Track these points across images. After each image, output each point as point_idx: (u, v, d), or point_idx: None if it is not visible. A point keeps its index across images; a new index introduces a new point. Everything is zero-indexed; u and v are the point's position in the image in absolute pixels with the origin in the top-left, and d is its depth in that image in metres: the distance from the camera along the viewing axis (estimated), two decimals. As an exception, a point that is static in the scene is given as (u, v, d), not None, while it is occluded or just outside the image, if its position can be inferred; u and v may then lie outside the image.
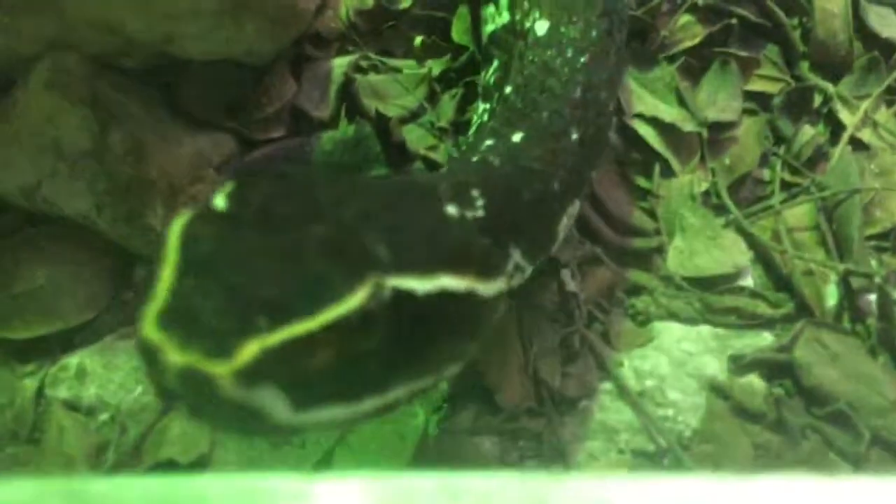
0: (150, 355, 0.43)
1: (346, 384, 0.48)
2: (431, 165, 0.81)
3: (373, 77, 0.86)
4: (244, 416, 0.44)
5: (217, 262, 0.47)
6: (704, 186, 0.83)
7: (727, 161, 0.86)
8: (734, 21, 0.91)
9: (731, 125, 0.87)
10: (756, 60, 0.91)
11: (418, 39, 0.88)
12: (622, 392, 0.71)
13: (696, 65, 0.90)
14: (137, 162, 0.73)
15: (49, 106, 0.74)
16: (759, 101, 0.90)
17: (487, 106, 0.75)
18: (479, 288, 0.54)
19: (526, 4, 0.75)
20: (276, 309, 0.45)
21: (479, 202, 0.60)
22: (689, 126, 0.85)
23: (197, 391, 0.43)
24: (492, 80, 0.76)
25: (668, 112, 0.85)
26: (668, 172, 0.84)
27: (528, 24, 0.74)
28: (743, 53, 0.90)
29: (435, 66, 0.88)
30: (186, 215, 0.49)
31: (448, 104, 0.85)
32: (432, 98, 0.86)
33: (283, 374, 0.45)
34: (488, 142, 0.68)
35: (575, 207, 0.70)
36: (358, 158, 0.81)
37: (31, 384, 0.72)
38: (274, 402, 0.45)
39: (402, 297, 0.48)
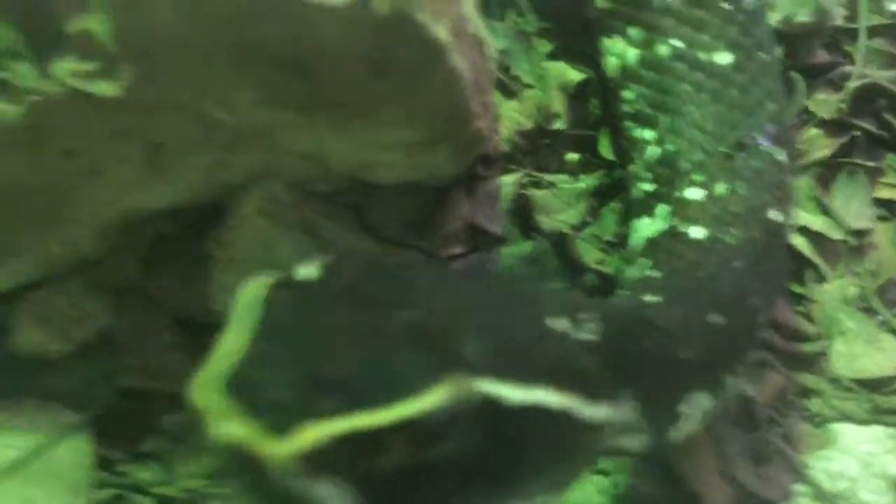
0: (198, 424, 0.39)
1: (418, 496, 0.42)
2: (603, 278, 0.86)
3: (536, 192, 0.91)
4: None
5: (288, 332, 0.43)
6: (854, 291, 0.89)
7: (868, 266, 0.91)
8: (857, 133, 0.98)
9: (867, 232, 0.93)
10: (880, 169, 0.98)
11: (572, 156, 0.94)
12: (818, 494, 0.75)
13: (826, 175, 0.96)
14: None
15: (263, 232, 0.78)
16: (888, 208, 0.96)
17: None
18: (582, 409, 0.49)
19: (687, 213, 0.76)
20: (349, 394, 0.40)
21: (593, 326, 0.54)
22: (835, 234, 0.90)
23: (244, 471, 0.38)
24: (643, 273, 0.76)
25: (815, 221, 0.91)
26: (817, 278, 0.90)
27: (684, 230, 0.75)
28: (868, 163, 0.97)
29: (588, 181, 0.93)
30: (265, 281, 0.46)
31: (609, 218, 0.90)
32: (593, 212, 0.91)
33: (346, 468, 0.39)
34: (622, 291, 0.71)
35: (704, 401, 0.65)
36: (536, 272, 0.86)
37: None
38: (331, 500, 0.39)
39: (490, 404, 0.42)
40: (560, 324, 0.51)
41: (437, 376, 0.40)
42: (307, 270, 0.48)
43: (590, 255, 0.88)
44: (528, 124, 0.93)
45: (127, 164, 0.72)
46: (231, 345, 0.42)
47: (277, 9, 0.65)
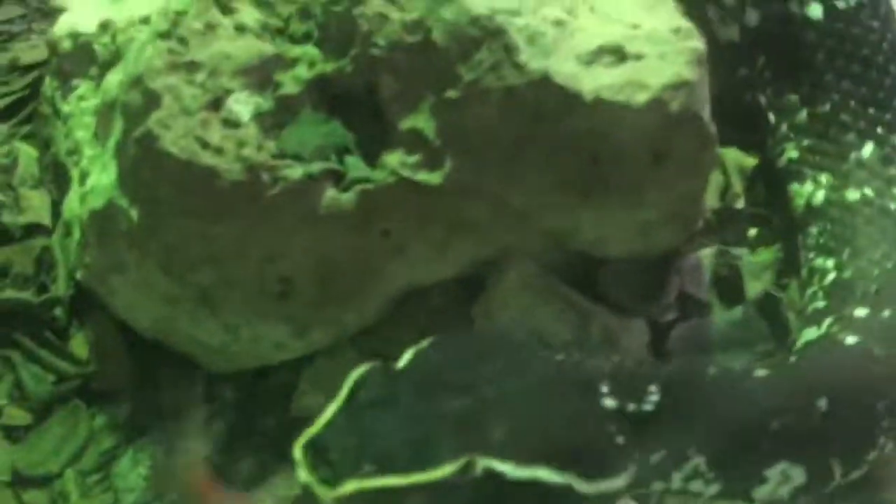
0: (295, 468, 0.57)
1: None
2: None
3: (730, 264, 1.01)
4: None
5: (366, 412, 0.58)
6: None
7: None
8: None
9: None
10: None
11: (753, 231, 1.04)
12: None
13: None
14: (612, 345, 0.85)
15: (524, 303, 0.87)
16: None
17: None
18: (580, 486, 0.59)
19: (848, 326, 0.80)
20: (387, 460, 0.56)
21: (653, 398, 0.64)
22: None
23: None
24: None
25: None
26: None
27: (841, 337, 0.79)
28: None
29: (765, 255, 1.03)
30: (368, 366, 0.61)
31: (794, 290, 1.00)
32: (778, 282, 1.01)
33: (378, 501, 0.55)
34: None
35: (797, 474, 0.69)
36: (748, 337, 0.95)
37: None
38: None
39: (492, 477, 0.56)
40: (609, 401, 0.63)
41: (457, 455, 0.56)
42: (404, 357, 0.63)
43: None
44: (714, 204, 1.04)
45: (426, 243, 0.80)
46: (326, 415, 0.58)
47: (582, 107, 0.75)
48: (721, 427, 0.66)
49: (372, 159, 0.77)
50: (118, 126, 0.86)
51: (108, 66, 1.04)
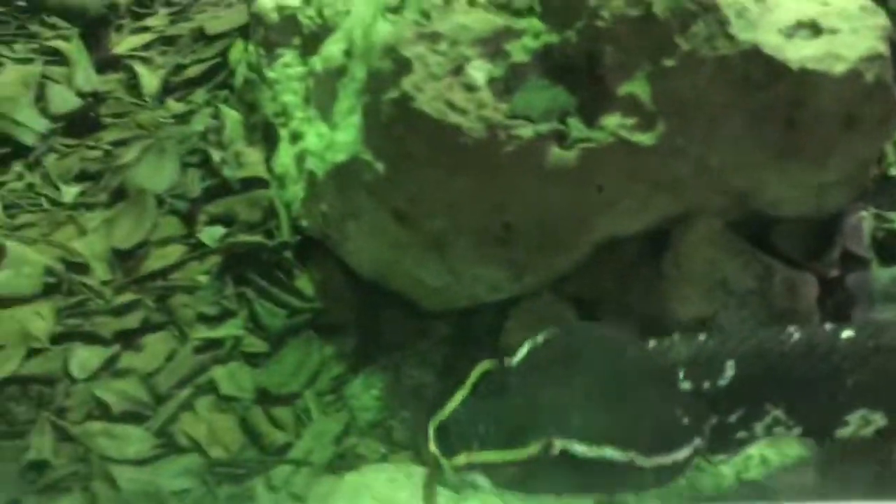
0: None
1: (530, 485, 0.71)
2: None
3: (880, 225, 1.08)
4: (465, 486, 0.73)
5: (481, 401, 0.72)
6: None
7: None
8: None
9: None
10: None
11: (907, 196, 1.11)
12: None
13: None
14: (792, 297, 0.94)
15: (710, 255, 0.95)
16: None
17: None
18: (641, 462, 0.70)
19: None
20: (490, 441, 0.70)
21: (728, 373, 0.75)
22: None
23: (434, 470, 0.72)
24: None
25: None
26: None
27: None
28: None
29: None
30: (489, 363, 0.75)
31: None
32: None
33: (483, 470, 0.70)
34: None
35: (877, 418, 0.77)
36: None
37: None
38: (481, 481, 0.70)
39: (567, 456, 0.69)
40: (685, 384, 0.74)
41: (538, 438, 0.69)
42: (519, 353, 0.76)
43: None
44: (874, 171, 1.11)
45: (633, 198, 0.89)
46: (454, 401, 0.73)
47: (787, 75, 0.83)
48: (797, 385, 0.76)
49: (591, 121, 0.86)
50: (350, 90, 0.97)
51: (313, 36, 1.15)
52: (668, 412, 0.73)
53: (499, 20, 0.88)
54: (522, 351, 0.77)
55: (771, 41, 0.83)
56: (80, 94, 1.30)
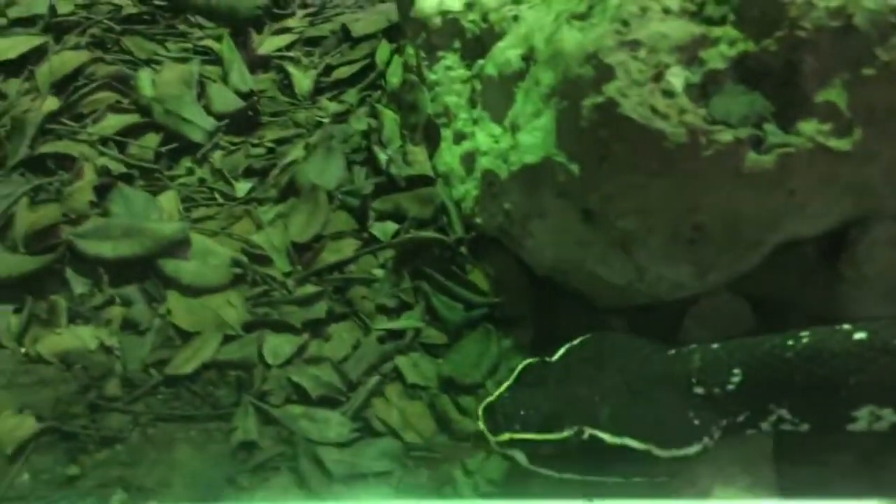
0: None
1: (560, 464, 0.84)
2: None
3: None
4: (507, 459, 0.85)
5: (524, 390, 0.86)
6: None
7: None
8: None
9: None
10: None
11: None
12: None
13: None
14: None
15: (890, 258, 0.97)
16: None
17: None
18: (656, 451, 0.82)
19: None
20: (530, 424, 0.83)
21: (735, 379, 0.85)
22: None
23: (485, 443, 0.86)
24: None
25: None
26: None
27: None
28: None
29: None
30: (532, 360, 0.89)
31: None
32: None
33: (522, 448, 0.83)
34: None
35: (887, 413, 0.83)
36: None
37: None
38: (519, 457, 0.83)
39: (595, 441, 0.82)
40: (697, 389, 0.85)
41: (573, 425, 0.82)
42: (559, 352, 0.90)
43: None
44: None
45: (822, 202, 0.91)
46: (501, 389, 0.87)
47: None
48: (802, 384, 0.84)
49: (787, 127, 0.88)
50: (534, 94, 1.00)
51: (476, 41, 1.18)
52: (682, 412, 0.85)
53: (695, 28, 0.90)
54: (561, 351, 0.91)
55: (970, 52, 0.85)
56: (238, 93, 1.35)
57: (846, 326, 0.87)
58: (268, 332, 1.03)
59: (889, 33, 0.85)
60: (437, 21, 1.21)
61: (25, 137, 1.23)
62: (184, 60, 1.41)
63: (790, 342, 0.85)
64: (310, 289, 1.07)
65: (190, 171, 1.24)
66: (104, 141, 1.25)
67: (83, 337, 1.01)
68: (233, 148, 1.28)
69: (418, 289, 1.07)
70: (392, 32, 1.45)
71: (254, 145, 1.28)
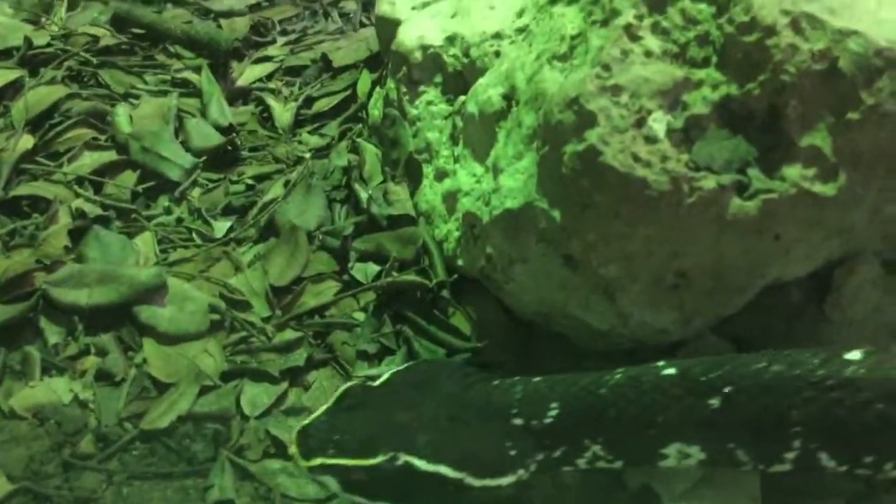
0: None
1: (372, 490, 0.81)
2: None
3: None
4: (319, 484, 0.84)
5: (341, 414, 0.83)
6: None
7: None
8: None
9: None
10: None
11: None
12: None
13: None
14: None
15: (874, 298, 0.95)
16: None
17: None
18: (469, 480, 0.81)
19: None
20: (343, 449, 0.80)
21: (553, 413, 0.83)
22: None
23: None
24: None
25: None
26: None
27: None
28: None
29: None
30: (353, 383, 0.88)
31: None
32: None
33: (334, 473, 0.80)
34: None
35: (694, 451, 0.82)
36: None
37: None
38: (331, 483, 0.81)
39: (409, 467, 0.79)
40: (516, 420, 0.84)
41: (389, 451, 0.80)
42: (382, 377, 0.87)
43: None
44: None
45: (807, 246, 0.88)
46: (318, 412, 0.83)
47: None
48: (614, 421, 0.83)
49: (771, 172, 0.85)
50: (516, 136, 0.97)
51: (457, 76, 1.15)
52: (500, 443, 0.83)
53: (678, 71, 0.87)
54: (385, 376, 0.88)
55: (955, 95, 0.82)
56: (217, 128, 1.32)
57: (660, 363, 0.85)
58: (246, 381, 1.00)
59: (874, 77, 0.82)
60: (418, 55, 1.18)
61: (0, 178, 1.19)
62: (162, 93, 1.38)
63: (606, 378, 0.85)
64: (289, 334, 1.04)
65: (168, 211, 1.20)
66: (80, 181, 1.21)
67: (57, 390, 0.98)
68: (211, 185, 1.24)
69: (400, 333, 1.04)
70: (373, 62, 1.42)
71: (233, 182, 1.25)
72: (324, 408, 0.84)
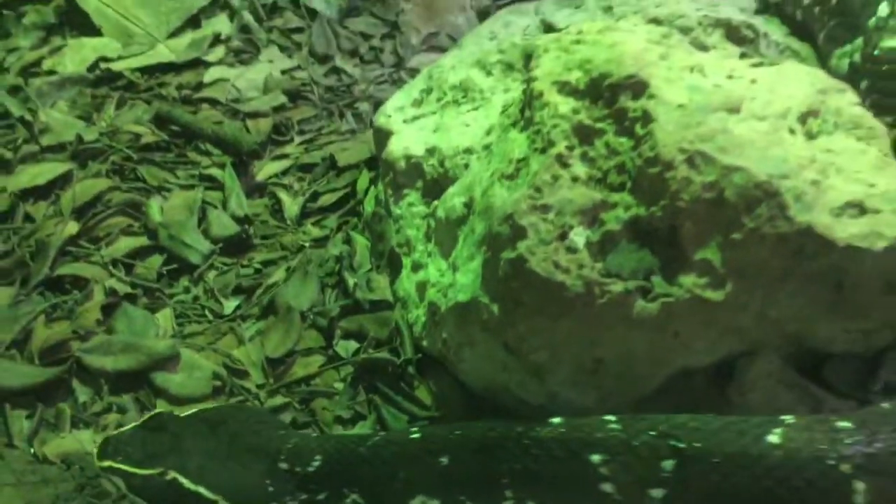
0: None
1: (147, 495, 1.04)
2: None
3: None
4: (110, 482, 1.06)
5: (142, 432, 1.07)
6: None
7: None
8: None
9: None
10: None
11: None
12: None
13: None
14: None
15: (770, 388, 1.09)
16: None
17: None
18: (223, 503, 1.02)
19: None
20: (129, 458, 1.04)
21: (314, 463, 1.03)
22: None
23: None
24: None
25: None
26: None
27: None
28: None
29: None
30: (164, 411, 1.13)
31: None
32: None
33: (120, 476, 1.05)
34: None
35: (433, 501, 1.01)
36: None
37: None
38: (119, 482, 1.03)
39: (175, 483, 1.01)
40: (283, 465, 1.04)
41: (164, 466, 1.03)
42: (190, 411, 1.11)
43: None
44: None
45: (704, 341, 1.03)
46: (126, 428, 1.09)
47: (835, 250, 0.97)
48: (368, 475, 1.02)
49: (670, 279, 1.01)
50: (470, 240, 1.15)
51: (434, 182, 1.33)
52: (260, 478, 1.03)
53: (597, 194, 1.04)
54: (193, 410, 1.11)
55: (823, 221, 0.97)
56: (235, 218, 1.51)
57: (412, 429, 1.09)
58: (240, 439, 1.17)
59: (754, 204, 0.98)
60: (403, 164, 1.37)
61: (47, 259, 1.39)
62: (190, 187, 1.58)
63: (368, 438, 1.06)
64: (279, 399, 1.21)
65: (186, 290, 1.39)
66: (114, 263, 1.41)
67: (83, 440, 1.16)
68: (225, 268, 1.43)
69: (371, 402, 1.20)
70: (372, 162, 1.61)
71: (244, 266, 1.44)
72: (132, 425, 1.08)
